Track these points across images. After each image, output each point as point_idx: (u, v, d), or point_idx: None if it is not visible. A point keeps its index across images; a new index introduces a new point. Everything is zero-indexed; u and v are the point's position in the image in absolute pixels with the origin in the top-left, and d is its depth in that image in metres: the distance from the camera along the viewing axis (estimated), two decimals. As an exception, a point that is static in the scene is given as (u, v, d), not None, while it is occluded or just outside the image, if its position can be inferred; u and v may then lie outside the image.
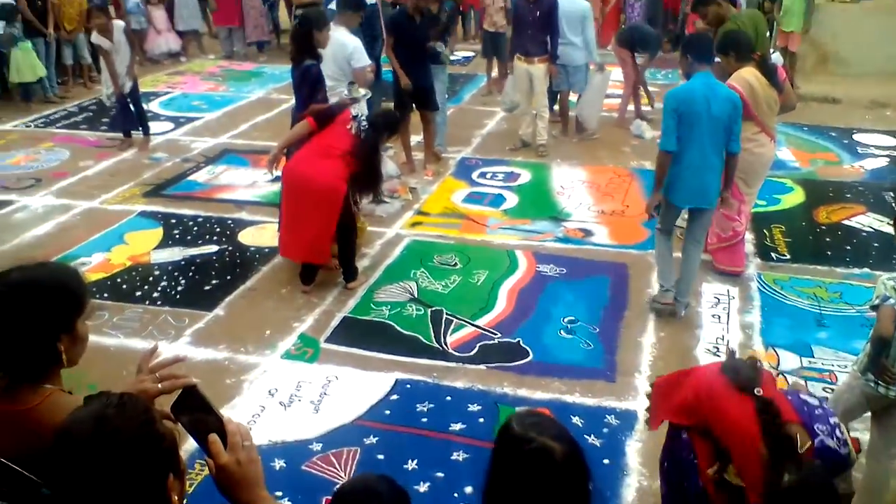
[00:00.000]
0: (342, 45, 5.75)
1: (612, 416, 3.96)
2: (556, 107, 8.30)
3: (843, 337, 4.55)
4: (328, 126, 4.97)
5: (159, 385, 1.69)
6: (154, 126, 8.59)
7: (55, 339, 1.71)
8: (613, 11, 12.83)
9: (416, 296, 5.11)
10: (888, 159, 7.70)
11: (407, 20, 6.85)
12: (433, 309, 4.94)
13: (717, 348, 4.52)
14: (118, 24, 7.78)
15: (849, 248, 5.77)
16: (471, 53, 12.24)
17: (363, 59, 5.84)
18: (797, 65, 10.03)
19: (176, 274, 5.45)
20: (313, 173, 4.84)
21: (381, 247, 5.83)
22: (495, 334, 4.69)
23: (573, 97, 8.31)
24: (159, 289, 5.25)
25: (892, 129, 8.62)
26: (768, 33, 7.30)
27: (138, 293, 5.19)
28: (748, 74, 4.87)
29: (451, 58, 9.07)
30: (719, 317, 4.85)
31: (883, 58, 9.96)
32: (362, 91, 5.76)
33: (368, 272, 5.42)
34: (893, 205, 6.50)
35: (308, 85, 5.21)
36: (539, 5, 7.31)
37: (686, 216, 4.87)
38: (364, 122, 5.06)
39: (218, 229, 6.16)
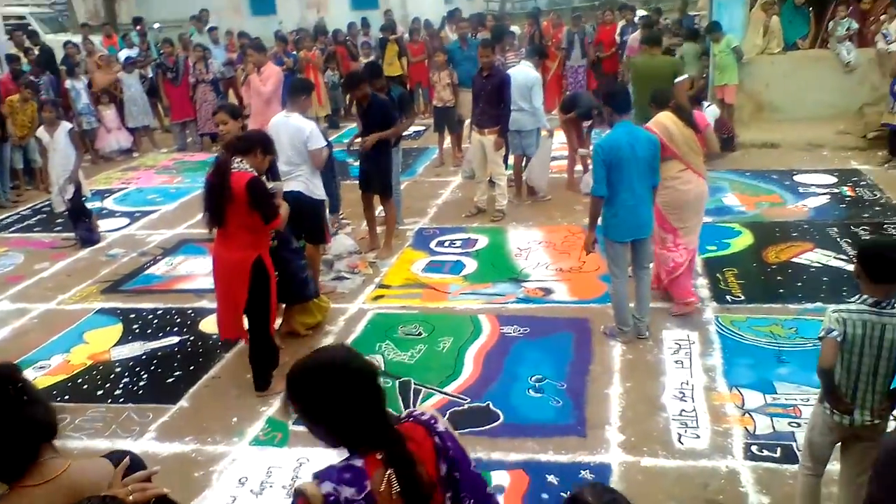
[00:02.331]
0: (299, 129, 5.70)
1: (587, 470, 3.96)
2: (510, 171, 8.49)
3: (803, 371, 4.64)
4: None
5: (130, 497, 1.72)
6: (109, 223, 8.59)
7: None
8: (554, 79, 13.31)
9: (382, 368, 5.10)
10: (829, 196, 7.99)
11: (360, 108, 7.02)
12: (401, 380, 4.93)
13: (683, 393, 4.57)
14: (64, 125, 7.84)
15: (800, 284, 5.93)
16: (421, 128, 12.52)
17: (320, 141, 5.83)
18: (735, 115, 10.49)
19: (137, 369, 5.37)
20: (218, 252, 4.77)
21: (344, 323, 5.83)
22: (465, 400, 4.68)
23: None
24: (121, 386, 5.16)
25: (830, 168, 8.98)
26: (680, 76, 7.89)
27: (100, 392, 5.10)
28: (664, 119, 5.40)
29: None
30: (682, 362, 4.92)
31: (812, 103, 10.48)
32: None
33: (333, 349, 5.40)
34: (839, 240, 6.72)
35: None
36: (491, 80, 7.62)
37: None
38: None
39: (178, 320, 6.11)
